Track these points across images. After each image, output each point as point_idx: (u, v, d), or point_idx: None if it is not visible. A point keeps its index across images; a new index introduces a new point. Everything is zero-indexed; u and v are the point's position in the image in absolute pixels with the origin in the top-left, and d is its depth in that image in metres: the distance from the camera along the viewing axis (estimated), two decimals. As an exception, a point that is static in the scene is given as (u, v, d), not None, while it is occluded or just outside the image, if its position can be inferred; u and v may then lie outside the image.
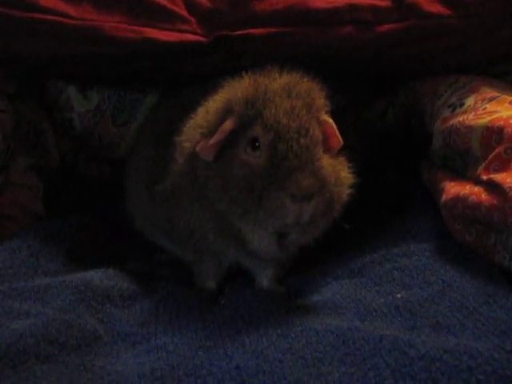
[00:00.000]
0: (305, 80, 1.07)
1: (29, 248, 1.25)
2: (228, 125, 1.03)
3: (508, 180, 1.05)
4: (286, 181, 0.98)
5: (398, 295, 1.04)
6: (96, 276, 1.15)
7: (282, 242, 1.06)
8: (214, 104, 1.10)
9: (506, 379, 0.76)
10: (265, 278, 1.20)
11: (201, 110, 1.14)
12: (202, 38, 1.36)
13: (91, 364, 0.92)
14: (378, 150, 1.51)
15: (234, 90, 1.07)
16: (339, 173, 1.06)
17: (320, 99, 1.07)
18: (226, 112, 1.05)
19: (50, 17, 1.32)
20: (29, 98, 1.63)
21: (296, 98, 1.03)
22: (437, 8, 1.36)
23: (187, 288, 1.18)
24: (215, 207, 1.06)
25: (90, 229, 1.42)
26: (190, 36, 1.35)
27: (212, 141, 1.03)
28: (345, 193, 1.07)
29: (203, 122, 1.10)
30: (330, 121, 1.08)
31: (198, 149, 1.05)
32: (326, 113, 1.08)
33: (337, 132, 1.09)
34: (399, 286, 1.07)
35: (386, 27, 1.36)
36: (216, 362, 0.88)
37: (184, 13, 1.37)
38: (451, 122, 1.28)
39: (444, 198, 1.20)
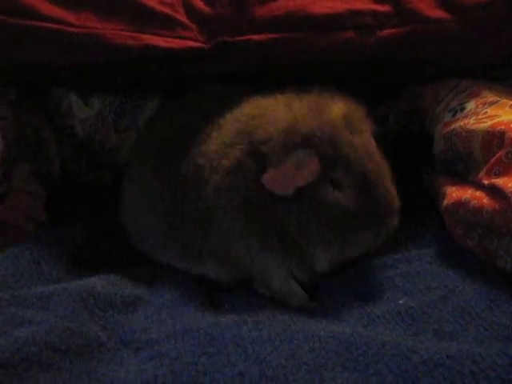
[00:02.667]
0: (354, 107, 1.12)
1: (31, 255, 1.25)
2: (316, 168, 1.05)
3: (510, 184, 1.05)
4: (376, 222, 1.08)
5: (400, 301, 1.04)
6: (98, 282, 1.15)
7: None
8: (266, 126, 1.10)
9: (508, 384, 0.77)
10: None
11: (228, 126, 1.16)
12: (202, 45, 1.35)
13: (94, 371, 0.92)
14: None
15: (299, 118, 1.08)
16: None
17: (369, 124, 1.14)
18: (299, 144, 1.06)
19: (50, 24, 1.32)
20: (30, 105, 1.63)
21: (361, 132, 1.10)
22: (436, 13, 1.35)
23: (190, 293, 1.18)
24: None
25: (91, 235, 1.42)
26: (190, 42, 1.35)
27: (300, 182, 1.06)
28: None
29: (241, 140, 1.12)
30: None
31: (265, 180, 1.07)
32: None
33: None
34: (401, 292, 1.08)
35: (386, 32, 1.36)
36: (219, 368, 0.88)
37: (184, 19, 1.37)
38: (452, 127, 1.28)
39: (445, 202, 1.20)
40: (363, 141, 1.09)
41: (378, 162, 1.09)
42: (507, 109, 1.22)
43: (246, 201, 1.10)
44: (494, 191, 1.09)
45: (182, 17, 1.38)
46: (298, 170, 1.05)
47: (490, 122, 1.18)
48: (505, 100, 1.25)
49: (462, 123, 1.25)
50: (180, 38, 1.35)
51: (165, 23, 1.36)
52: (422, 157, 1.45)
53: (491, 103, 1.26)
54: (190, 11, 1.39)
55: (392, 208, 1.09)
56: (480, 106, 1.27)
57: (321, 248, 1.10)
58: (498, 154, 1.13)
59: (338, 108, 1.10)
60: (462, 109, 1.31)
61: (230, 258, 1.17)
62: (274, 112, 1.13)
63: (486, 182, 1.12)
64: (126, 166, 1.43)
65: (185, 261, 1.25)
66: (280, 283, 1.15)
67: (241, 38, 1.35)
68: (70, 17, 1.34)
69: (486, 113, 1.23)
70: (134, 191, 1.34)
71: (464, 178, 1.24)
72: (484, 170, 1.15)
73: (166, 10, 1.37)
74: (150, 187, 1.27)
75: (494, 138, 1.15)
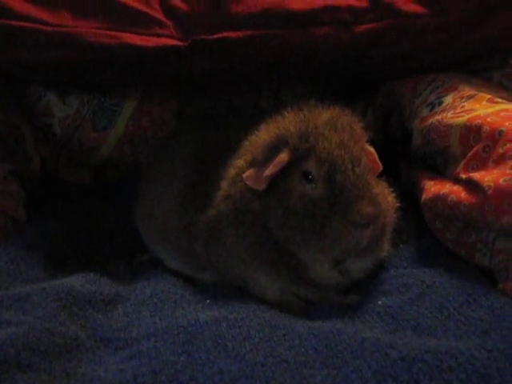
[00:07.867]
0: (345, 113, 1.12)
1: (9, 255, 1.24)
2: (284, 157, 1.06)
3: (486, 178, 1.06)
4: (348, 209, 1.02)
5: (379, 302, 1.05)
6: (77, 281, 1.14)
7: (341, 268, 1.09)
8: (261, 136, 1.13)
9: (487, 378, 0.77)
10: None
11: (245, 143, 1.17)
12: (179, 43, 1.35)
13: (74, 371, 0.91)
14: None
15: (285, 124, 1.10)
16: (387, 198, 1.12)
17: (361, 130, 1.12)
18: (278, 145, 1.08)
19: (25, 23, 1.32)
20: (8, 104, 1.62)
21: (342, 130, 1.08)
22: (413, 7, 1.36)
23: (171, 288, 1.18)
24: (271, 236, 1.09)
25: (70, 234, 1.41)
26: (167, 40, 1.35)
27: (267, 172, 1.06)
28: (393, 216, 1.13)
29: (247, 152, 1.14)
30: (371, 149, 1.14)
31: (245, 176, 1.09)
32: (366, 142, 1.13)
33: (377, 158, 1.15)
34: (379, 293, 1.09)
35: (363, 27, 1.36)
36: (198, 367, 0.88)
37: (161, 17, 1.37)
38: (430, 121, 1.29)
39: (424, 197, 1.21)
40: (342, 136, 1.07)
41: (351, 152, 1.06)
42: (484, 103, 1.22)
43: (243, 208, 1.11)
44: (471, 185, 1.09)
45: (158, 14, 1.37)
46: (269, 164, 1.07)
47: (467, 116, 1.19)
48: (482, 94, 1.26)
49: (439, 117, 1.26)
50: (156, 35, 1.35)
51: (141, 21, 1.36)
52: (400, 151, 1.45)
53: (469, 97, 1.27)
54: (167, 8, 1.38)
55: (361, 193, 1.03)
56: (457, 99, 1.28)
57: (304, 248, 1.07)
58: (475, 148, 1.13)
59: (324, 113, 1.11)
60: (440, 103, 1.31)
61: (226, 269, 1.17)
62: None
63: (463, 176, 1.13)
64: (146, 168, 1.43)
65: (188, 267, 1.26)
66: (274, 295, 1.15)
67: (218, 35, 1.35)
68: (46, 16, 1.33)
69: (464, 107, 1.23)
70: (154, 193, 1.34)
71: (442, 172, 1.25)
72: (461, 164, 1.15)
73: (142, 8, 1.36)
74: (180, 195, 1.26)
75: (471, 132, 1.15)
